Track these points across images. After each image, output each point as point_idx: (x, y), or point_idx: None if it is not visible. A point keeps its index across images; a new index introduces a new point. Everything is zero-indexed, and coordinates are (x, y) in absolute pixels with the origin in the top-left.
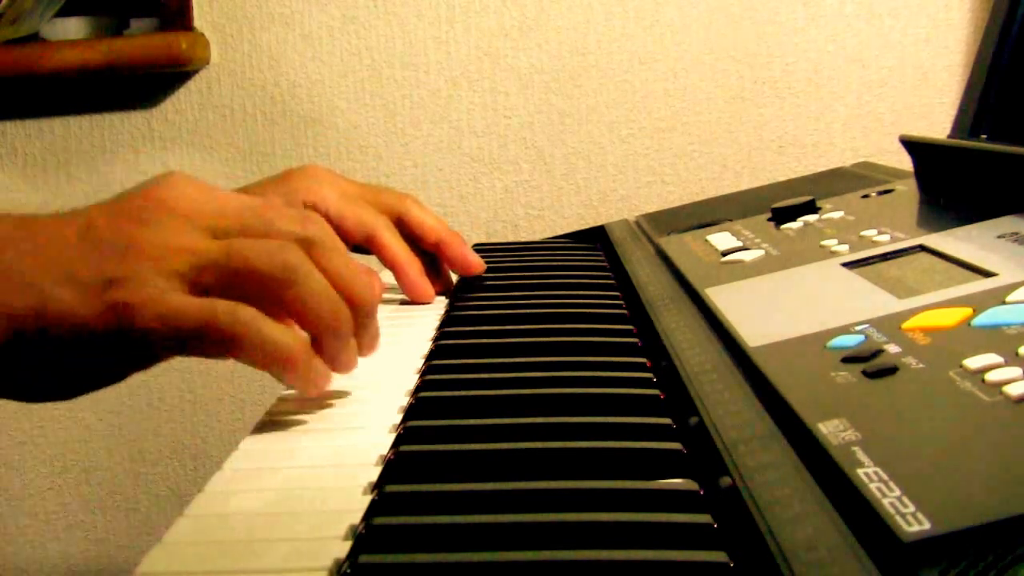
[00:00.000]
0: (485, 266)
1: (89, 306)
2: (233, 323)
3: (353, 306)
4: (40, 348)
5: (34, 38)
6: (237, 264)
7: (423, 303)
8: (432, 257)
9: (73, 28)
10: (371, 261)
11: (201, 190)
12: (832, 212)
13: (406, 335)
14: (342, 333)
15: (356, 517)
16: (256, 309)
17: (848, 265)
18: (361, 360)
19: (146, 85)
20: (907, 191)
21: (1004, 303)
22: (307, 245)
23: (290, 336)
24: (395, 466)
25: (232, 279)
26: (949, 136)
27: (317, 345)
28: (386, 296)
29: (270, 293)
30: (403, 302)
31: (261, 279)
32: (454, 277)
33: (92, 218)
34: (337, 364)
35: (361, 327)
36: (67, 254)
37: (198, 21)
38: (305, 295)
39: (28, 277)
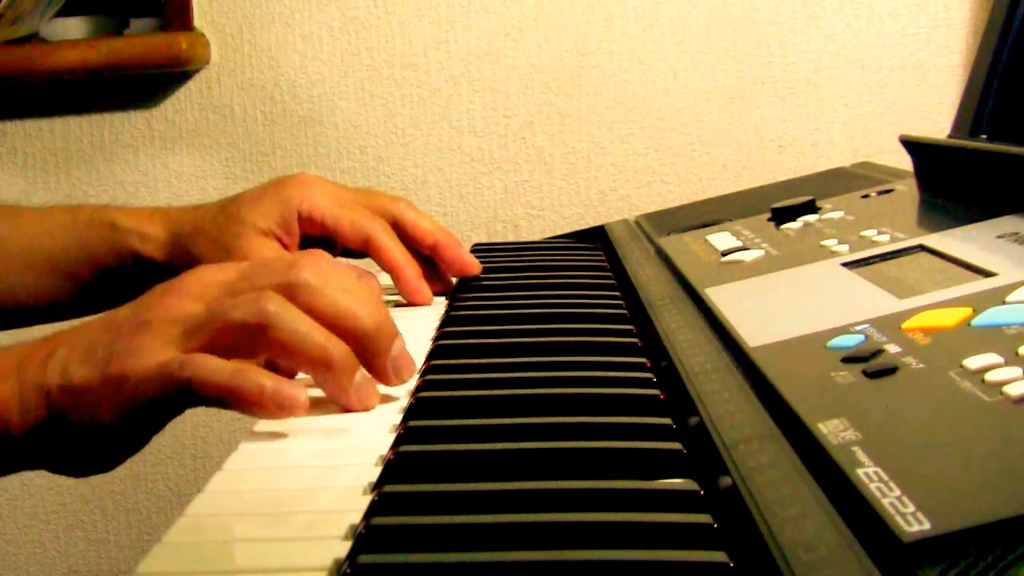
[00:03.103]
0: (481, 268)
1: (97, 381)
2: (192, 372)
3: (357, 338)
4: (70, 424)
5: (34, 38)
6: (218, 320)
7: (419, 305)
8: (429, 259)
9: (73, 28)
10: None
11: (214, 270)
12: (832, 212)
13: (406, 335)
14: (336, 368)
15: (356, 517)
16: (224, 359)
17: (848, 265)
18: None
19: (146, 85)
20: (907, 191)
21: (1004, 303)
22: (290, 290)
23: (252, 374)
24: (395, 466)
25: (217, 336)
26: (949, 136)
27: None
28: (384, 298)
29: (251, 341)
30: (401, 304)
31: (240, 329)
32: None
33: (119, 310)
34: (347, 400)
35: (374, 355)
36: (90, 337)
37: (198, 21)
38: (282, 336)
39: (57, 359)
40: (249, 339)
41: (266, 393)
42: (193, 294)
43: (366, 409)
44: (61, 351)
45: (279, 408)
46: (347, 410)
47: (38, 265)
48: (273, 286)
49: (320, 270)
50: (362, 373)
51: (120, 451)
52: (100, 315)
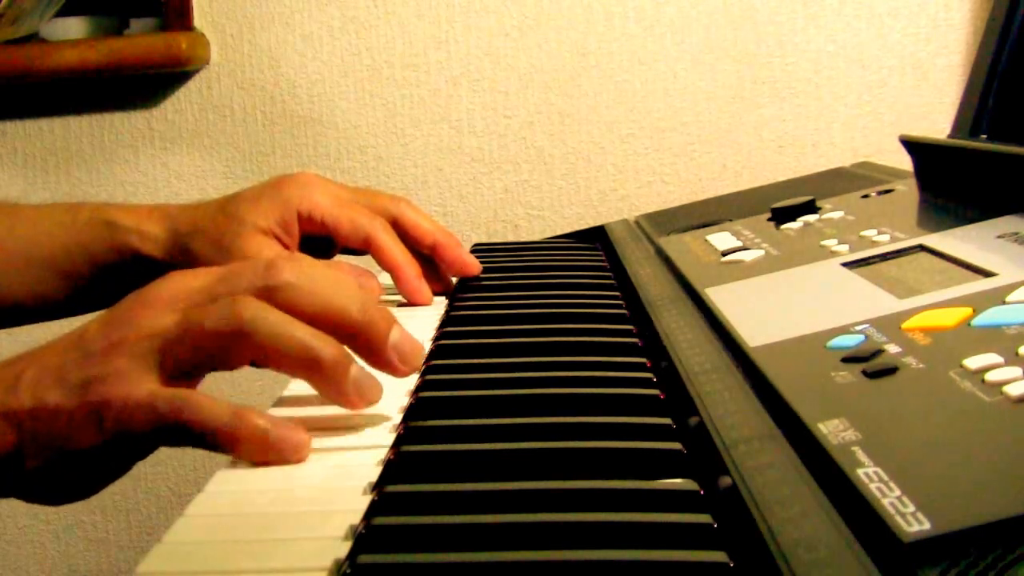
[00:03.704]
0: (481, 268)
1: (73, 406)
2: (176, 411)
3: (350, 333)
4: (43, 450)
5: (34, 38)
6: (194, 332)
7: (420, 304)
8: (429, 259)
9: (73, 28)
10: (367, 265)
11: (186, 276)
12: (832, 212)
13: None
14: (327, 366)
15: (356, 517)
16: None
17: (848, 265)
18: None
19: (146, 85)
20: (907, 191)
21: (1004, 303)
22: (270, 292)
23: (252, 418)
24: (395, 466)
25: (196, 348)
26: (949, 136)
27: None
28: (384, 298)
29: (232, 349)
30: (401, 304)
31: (217, 339)
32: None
33: (87, 327)
34: (346, 399)
35: (373, 346)
36: (60, 358)
37: (198, 21)
38: (263, 341)
39: (25, 382)
40: (228, 348)
41: (267, 439)
42: (165, 304)
43: (369, 404)
44: (29, 373)
45: (277, 454)
46: (349, 408)
47: (38, 264)
48: (252, 289)
49: (300, 268)
50: (358, 368)
51: (99, 478)
52: (65, 334)
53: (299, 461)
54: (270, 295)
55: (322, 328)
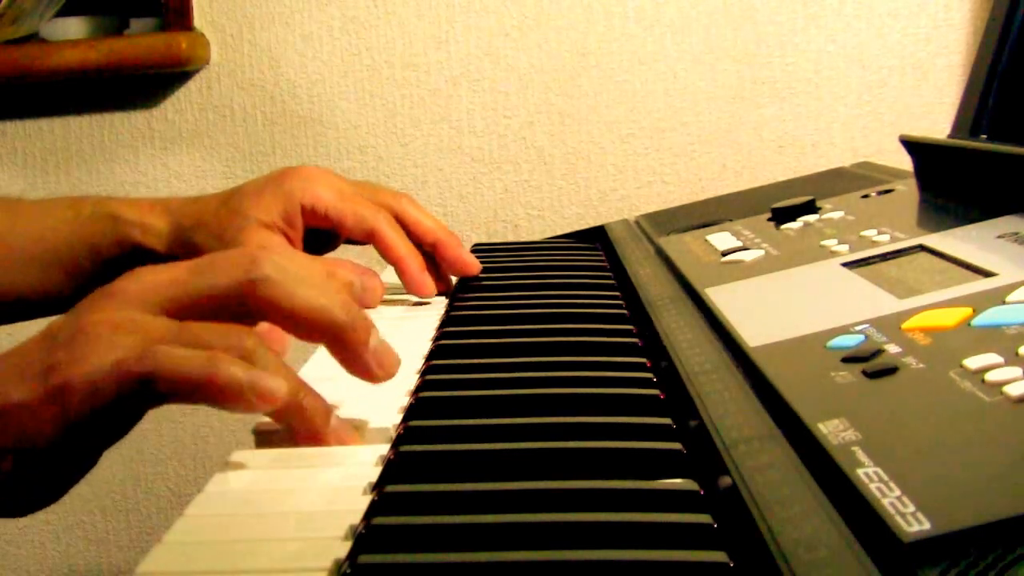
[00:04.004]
0: (481, 267)
1: (34, 394)
2: (176, 368)
3: (331, 334)
4: (5, 451)
5: (34, 38)
6: (202, 288)
7: (425, 297)
8: (429, 257)
9: (73, 28)
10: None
11: (155, 270)
12: (832, 212)
13: (406, 335)
14: (349, 329)
15: (356, 517)
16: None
17: (848, 265)
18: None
19: (146, 85)
20: (907, 191)
21: (1004, 303)
22: (252, 288)
23: (226, 363)
24: (395, 466)
25: (192, 311)
26: (949, 136)
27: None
28: (385, 298)
29: (235, 310)
30: (400, 303)
31: (217, 300)
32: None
33: (51, 323)
34: (364, 366)
35: (354, 349)
36: (23, 354)
37: (198, 21)
38: (275, 296)
39: None
40: (230, 309)
41: (243, 383)
42: (135, 297)
43: (389, 376)
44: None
45: (259, 399)
46: (366, 378)
47: (41, 258)
48: (233, 283)
49: (279, 263)
50: (377, 336)
51: (66, 475)
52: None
53: (277, 406)
54: (251, 289)
55: (301, 327)
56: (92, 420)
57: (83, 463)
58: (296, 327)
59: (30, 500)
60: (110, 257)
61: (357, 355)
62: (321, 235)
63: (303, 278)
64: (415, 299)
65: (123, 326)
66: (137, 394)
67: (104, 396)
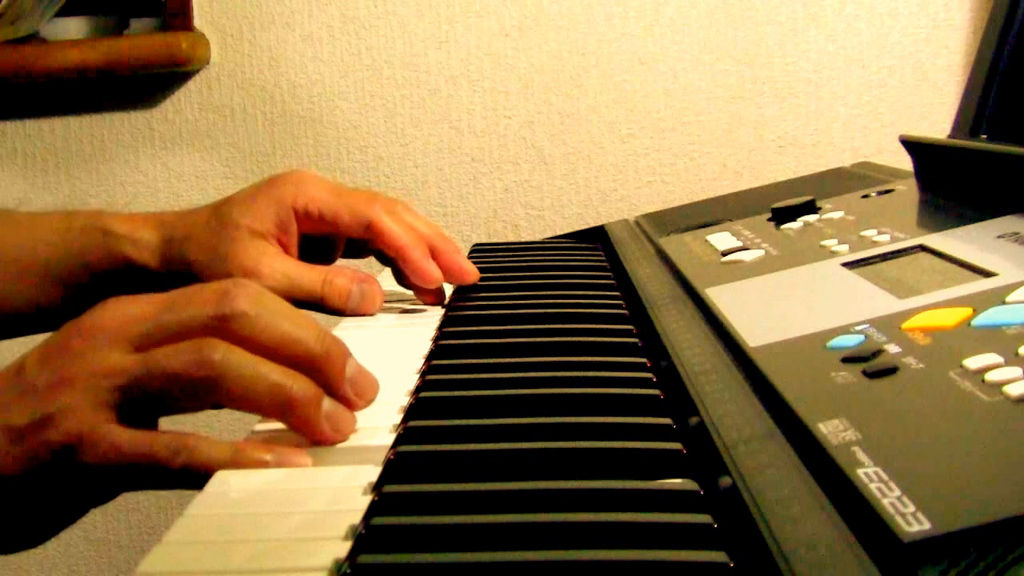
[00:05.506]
0: (479, 275)
1: (23, 449)
2: (174, 454)
3: (309, 366)
4: None
5: (34, 38)
6: (157, 376)
7: (430, 286)
8: None
9: (73, 28)
10: (367, 268)
11: (127, 304)
12: (832, 212)
13: (406, 335)
14: (301, 404)
15: (356, 517)
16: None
17: (848, 265)
18: (362, 361)
19: (146, 85)
20: (907, 191)
21: (1004, 303)
22: (226, 323)
23: (253, 452)
24: (395, 466)
25: (161, 392)
26: (949, 136)
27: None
28: (387, 304)
29: (199, 392)
30: (403, 311)
31: (187, 385)
32: None
33: (23, 361)
34: (320, 434)
35: (331, 380)
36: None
37: (198, 21)
38: (235, 388)
39: None
40: (195, 391)
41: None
42: (110, 336)
43: (344, 438)
44: None
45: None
46: (321, 444)
47: (34, 272)
48: (203, 318)
49: (253, 297)
50: (330, 402)
51: (54, 525)
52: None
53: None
54: (227, 325)
55: (278, 359)
56: (84, 479)
57: (70, 515)
58: (272, 359)
59: (11, 541)
60: (101, 271)
61: (334, 385)
62: (320, 245)
63: (276, 310)
64: (411, 305)
65: (105, 375)
66: (153, 476)
67: (111, 477)
